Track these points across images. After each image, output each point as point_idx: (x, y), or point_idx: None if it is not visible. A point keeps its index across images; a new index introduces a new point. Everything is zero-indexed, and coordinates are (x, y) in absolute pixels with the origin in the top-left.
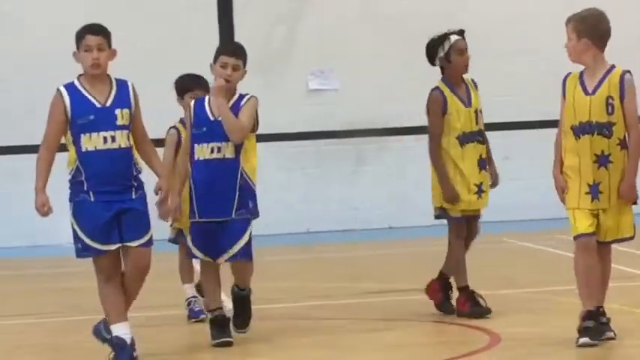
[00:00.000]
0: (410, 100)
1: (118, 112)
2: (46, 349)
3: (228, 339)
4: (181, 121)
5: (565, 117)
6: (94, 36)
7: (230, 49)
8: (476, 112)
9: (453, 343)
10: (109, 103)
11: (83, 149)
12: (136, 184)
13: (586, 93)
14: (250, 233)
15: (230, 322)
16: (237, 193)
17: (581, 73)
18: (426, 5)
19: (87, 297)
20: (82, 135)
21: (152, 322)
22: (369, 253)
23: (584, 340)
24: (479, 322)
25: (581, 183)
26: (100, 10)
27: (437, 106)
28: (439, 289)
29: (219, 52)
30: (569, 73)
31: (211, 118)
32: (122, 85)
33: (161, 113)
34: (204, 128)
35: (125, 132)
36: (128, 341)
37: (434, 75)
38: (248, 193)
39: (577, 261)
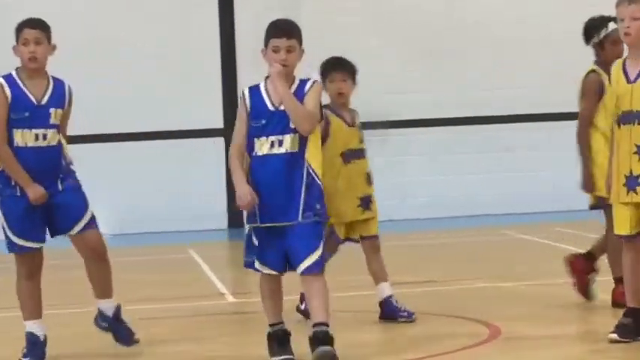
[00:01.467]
0: (410, 92)
1: (52, 110)
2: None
3: (288, 356)
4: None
5: (609, 106)
6: (31, 29)
7: (280, 29)
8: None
9: (458, 336)
10: (44, 101)
11: (15, 144)
12: (62, 176)
13: (628, 81)
14: (323, 241)
15: (290, 337)
16: (304, 193)
17: (624, 61)
18: None
19: (84, 288)
20: (14, 130)
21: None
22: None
23: (613, 336)
24: (481, 315)
25: (619, 174)
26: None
27: (593, 89)
28: (584, 269)
29: (268, 35)
30: (616, 62)
31: (271, 108)
32: (59, 84)
33: (166, 105)
34: (263, 120)
35: (56, 130)
36: (41, 338)
37: (436, 66)
38: (316, 193)
39: (623, 258)
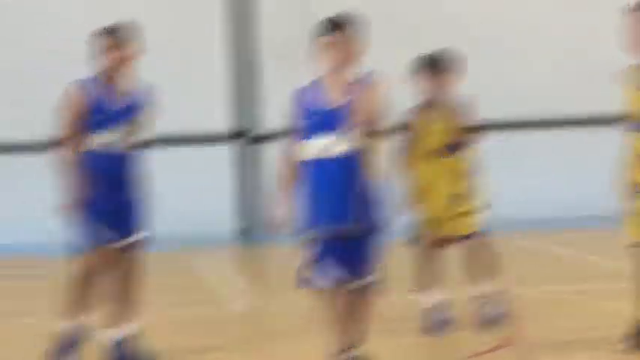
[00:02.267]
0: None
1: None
2: None
3: None
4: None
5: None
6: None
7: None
8: None
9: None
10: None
11: (89, 148)
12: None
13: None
14: (378, 254)
15: None
16: (356, 200)
17: None
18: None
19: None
20: (91, 133)
21: None
22: None
23: (621, 346)
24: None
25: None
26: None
27: None
28: None
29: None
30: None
31: (325, 108)
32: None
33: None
34: (315, 119)
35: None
36: (77, 339)
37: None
38: (371, 200)
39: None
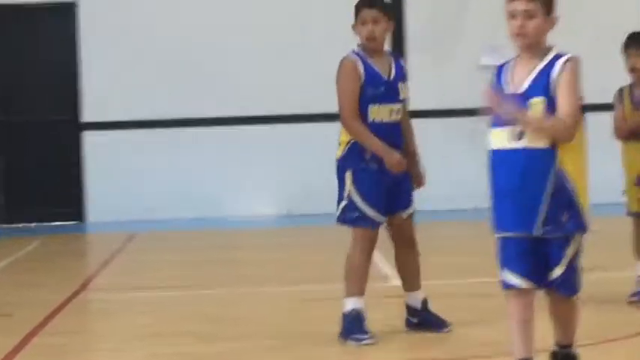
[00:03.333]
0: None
1: (400, 85)
2: (210, 320)
3: None
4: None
5: None
6: (369, 9)
7: None
8: None
9: (631, 323)
10: (392, 77)
11: (370, 120)
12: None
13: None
14: (576, 255)
15: None
16: (548, 201)
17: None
18: None
19: (253, 269)
20: (369, 105)
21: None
22: None
23: None
24: None
25: None
26: None
27: None
28: None
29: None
30: None
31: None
32: (398, 59)
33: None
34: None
35: (403, 105)
36: (365, 317)
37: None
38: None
39: None
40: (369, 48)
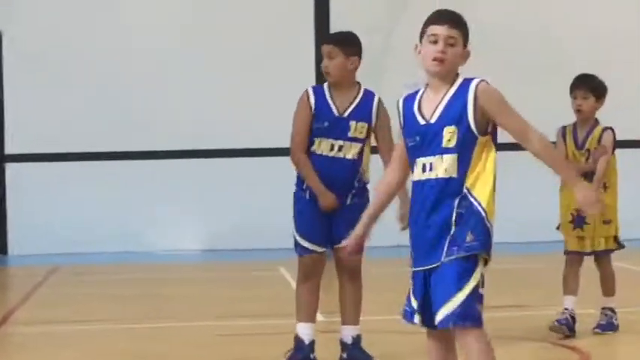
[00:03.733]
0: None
1: (352, 123)
2: (130, 356)
3: None
4: (575, 123)
5: None
6: (326, 44)
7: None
8: None
9: None
10: (345, 114)
11: (312, 151)
12: (353, 191)
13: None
14: (474, 282)
15: None
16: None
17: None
18: (522, 15)
19: (176, 304)
20: (315, 138)
21: None
22: None
23: None
24: (569, 340)
25: None
26: (200, 23)
27: None
28: None
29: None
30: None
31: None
32: (369, 97)
33: (255, 121)
34: (417, 138)
35: (357, 144)
36: (306, 342)
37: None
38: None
39: None
40: (331, 82)
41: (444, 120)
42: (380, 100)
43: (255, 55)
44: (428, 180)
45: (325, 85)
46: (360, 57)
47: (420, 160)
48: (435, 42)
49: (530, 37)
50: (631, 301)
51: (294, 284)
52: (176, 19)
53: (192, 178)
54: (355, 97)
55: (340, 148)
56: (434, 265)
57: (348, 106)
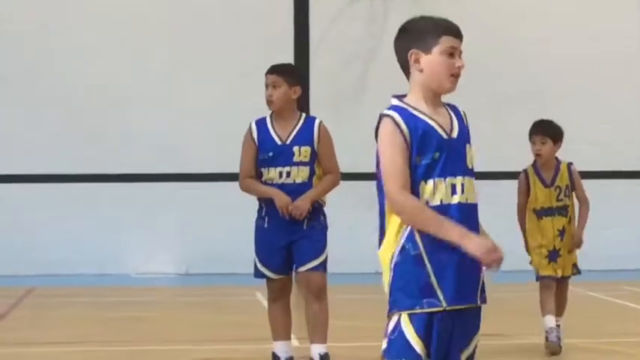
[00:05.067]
0: (483, 140)
1: (295, 149)
2: None
3: None
4: (534, 164)
5: None
6: (270, 75)
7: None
8: None
9: None
10: (288, 141)
11: (263, 181)
12: (308, 215)
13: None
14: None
15: None
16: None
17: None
18: (505, 44)
19: (152, 326)
20: (262, 168)
21: None
22: None
23: None
24: None
25: None
26: (174, 47)
27: None
28: None
29: (437, 31)
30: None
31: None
32: (309, 122)
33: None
34: (437, 154)
35: (304, 168)
36: (283, 359)
37: (504, 114)
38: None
39: None
40: (273, 112)
41: (463, 137)
42: (321, 123)
43: (235, 82)
44: (460, 204)
45: (268, 116)
46: (300, 87)
47: (454, 180)
48: (452, 55)
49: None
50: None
51: None
52: (153, 42)
53: (168, 201)
54: (297, 124)
55: (288, 174)
56: (470, 306)
57: (290, 133)
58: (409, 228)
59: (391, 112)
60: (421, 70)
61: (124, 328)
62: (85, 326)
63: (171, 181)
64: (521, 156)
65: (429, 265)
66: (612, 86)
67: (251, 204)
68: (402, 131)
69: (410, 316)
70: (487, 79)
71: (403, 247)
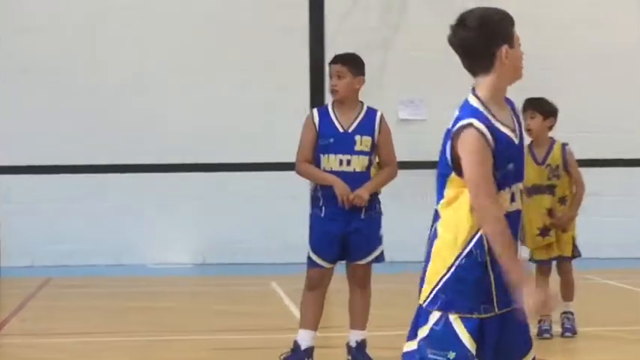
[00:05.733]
0: None
1: (357, 138)
2: None
3: None
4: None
5: None
6: (334, 64)
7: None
8: None
9: None
10: (350, 129)
11: (322, 168)
12: (366, 205)
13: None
14: None
15: None
16: None
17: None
18: (522, 34)
19: (170, 316)
20: (321, 155)
21: None
22: None
23: None
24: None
25: None
26: (193, 39)
27: None
28: None
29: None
30: None
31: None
32: (371, 113)
33: (257, 136)
34: (511, 165)
35: (364, 157)
36: (302, 347)
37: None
38: None
39: None
40: (336, 100)
41: (522, 140)
42: (382, 116)
43: (251, 72)
44: (516, 211)
45: (329, 104)
46: (364, 77)
47: (514, 188)
48: (520, 44)
49: None
50: None
51: (286, 299)
52: (169, 33)
53: (184, 191)
54: (359, 114)
55: (349, 162)
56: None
57: (352, 122)
58: (480, 235)
59: (475, 123)
60: (505, 65)
61: (140, 319)
62: (102, 316)
63: (188, 171)
64: None
65: (491, 274)
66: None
67: (268, 194)
68: (488, 142)
69: (462, 317)
70: None
71: (470, 252)
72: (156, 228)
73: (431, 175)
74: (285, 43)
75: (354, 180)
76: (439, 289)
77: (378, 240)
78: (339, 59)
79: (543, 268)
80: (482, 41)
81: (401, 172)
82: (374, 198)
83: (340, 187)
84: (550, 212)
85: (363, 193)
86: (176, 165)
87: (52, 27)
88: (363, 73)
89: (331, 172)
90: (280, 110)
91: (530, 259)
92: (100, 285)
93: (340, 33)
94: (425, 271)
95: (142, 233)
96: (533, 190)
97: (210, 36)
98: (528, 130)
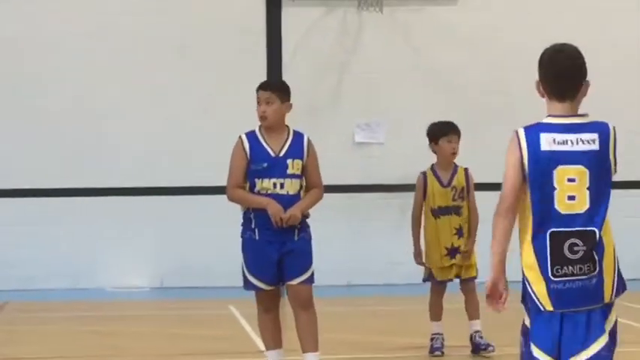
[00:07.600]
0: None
1: (289, 161)
2: None
3: None
4: (432, 167)
5: None
6: (263, 91)
7: None
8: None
9: None
10: (282, 153)
11: (255, 191)
12: (299, 226)
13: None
14: None
15: None
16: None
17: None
18: (475, 57)
19: (128, 340)
20: (255, 179)
21: None
22: (409, 307)
23: None
24: None
25: None
26: (149, 61)
27: None
28: None
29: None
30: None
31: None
32: (298, 137)
33: (208, 159)
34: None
35: (295, 180)
36: None
37: (480, 129)
38: None
39: None
40: (264, 126)
41: None
42: (309, 140)
43: (209, 95)
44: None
45: (257, 130)
46: (290, 102)
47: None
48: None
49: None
50: None
51: (244, 322)
52: (127, 58)
53: (141, 214)
54: (287, 138)
55: (282, 186)
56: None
57: (283, 146)
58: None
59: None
60: None
61: (99, 343)
62: (60, 341)
63: (145, 194)
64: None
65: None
66: None
67: (224, 217)
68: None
69: None
70: (467, 91)
71: None
72: (114, 251)
73: (385, 198)
74: (242, 67)
75: (288, 202)
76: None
77: (310, 261)
78: (267, 86)
79: (440, 288)
80: (584, 72)
81: (355, 195)
82: (304, 221)
83: (273, 208)
84: (458, 232)
85: (296, 211)
86: (133, 188)
87: (4, 51)
88: (289, 98)
89: (266, 194)
90: (237, 134)
91: (428, 279)
92: (57, 309)
93: (297, 55)
94: (601, 274)
95: (100, 257)
96: (440, 212)
97: (166, 62)
98: (453, 154)
